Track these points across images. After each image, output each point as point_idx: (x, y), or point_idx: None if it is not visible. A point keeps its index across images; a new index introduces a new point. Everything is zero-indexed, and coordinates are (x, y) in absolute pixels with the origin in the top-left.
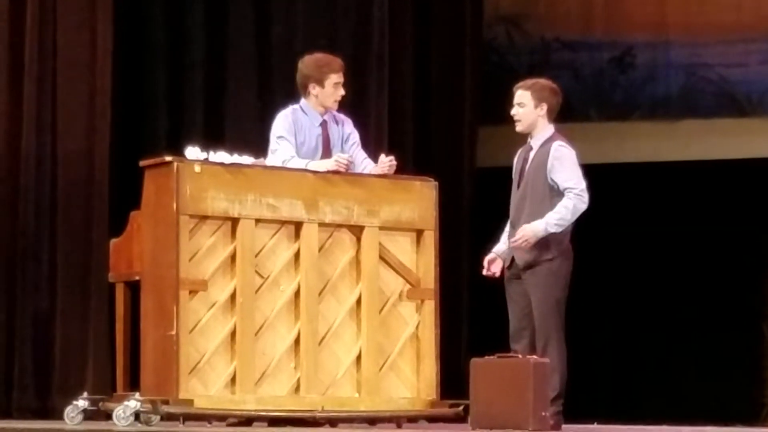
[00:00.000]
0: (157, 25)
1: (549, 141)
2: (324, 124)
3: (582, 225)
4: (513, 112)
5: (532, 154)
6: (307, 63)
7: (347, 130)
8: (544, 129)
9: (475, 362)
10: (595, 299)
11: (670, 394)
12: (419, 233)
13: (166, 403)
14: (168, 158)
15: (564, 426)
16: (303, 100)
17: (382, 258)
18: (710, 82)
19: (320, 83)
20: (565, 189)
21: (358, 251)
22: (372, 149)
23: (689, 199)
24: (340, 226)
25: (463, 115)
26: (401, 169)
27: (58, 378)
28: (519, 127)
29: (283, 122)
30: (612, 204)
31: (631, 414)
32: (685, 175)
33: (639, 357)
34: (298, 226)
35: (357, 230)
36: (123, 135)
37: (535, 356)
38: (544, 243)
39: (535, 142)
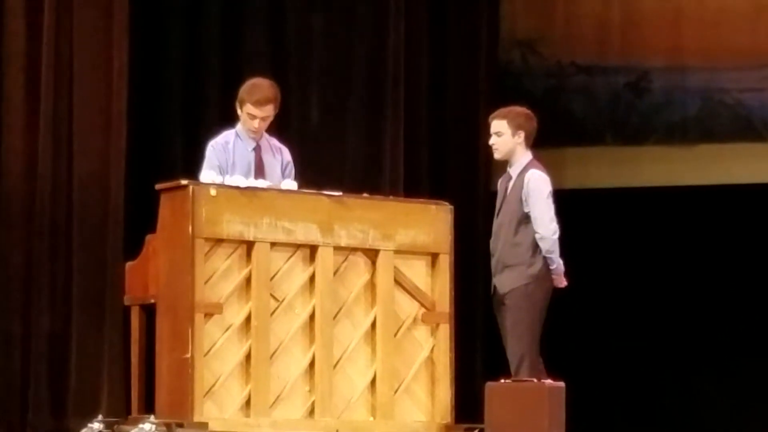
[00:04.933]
0: (173, 48)
1: (526, 169)
2: (257, 149)
3: (599, 248)
4: (491, 141)
5: (511, 183)
6: (244, 84)
7: (286, 158)
8: (522, 156)
9: (490, 386)
10: (610, 324)
11: (689, 422)
12: (434, 257)
13: (181, 425)
14: (184, 182)
15: None
16: (238, 124)
17: (397, 281)
18: (726, 106)
19: (240, 107)
20: (535, 232)
21: (373, 275)
22: (388, 172)
23: (706, 224)
24: (355, 249)
25: (478, 139)
26: (416, 193)
27: (72, 400)
28: (497, 155)
29: (210, 156)
30: (628, 228)
31: None
32: (701, 200)
33: (657, 384)
34: (313, 249)
35: (372, 254)
36: (139, 158)
37: (550, 380)
38: (519, 269)
39: (514, 171)
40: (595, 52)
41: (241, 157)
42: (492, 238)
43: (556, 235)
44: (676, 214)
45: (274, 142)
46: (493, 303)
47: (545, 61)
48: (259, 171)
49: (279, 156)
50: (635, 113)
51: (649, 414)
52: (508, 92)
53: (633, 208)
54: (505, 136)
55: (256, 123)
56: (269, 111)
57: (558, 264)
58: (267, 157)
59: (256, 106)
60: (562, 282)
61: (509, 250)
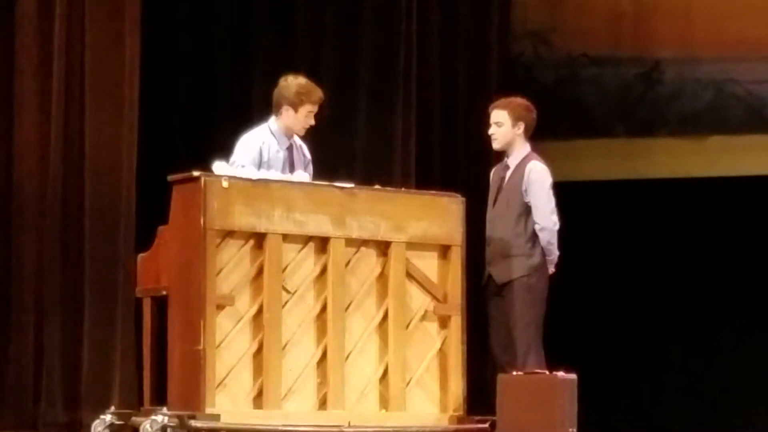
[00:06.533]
0: (184, 40)
1: (525, 160)
2: (290, 148)
3: (610, 240)
4: (491, 131)
5: (508, 173)
6: (288, 85)
7: (307, 156)
8: (521, 147)
9: (502, 378)
10: (622, 314)
11: (699, 409)
12: (446, 249)
13: (193, 417)
14: (196, 173)
15: None
16: (273, 120)
17: (408, 273)
18: (738, 98)
19: (295, 108)
20: (535, 223)
21: (384, 267)
22: (399, 165)
23: (717, 216)
24: (366, 241)
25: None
26: (428, 185)
27: (85, 392)
28: (496, 146)
29: (248, 143)
30: (639, 220)
31: (659, 429)
32: (712, 192)
33: (664, 371)
34: (324, 241)
35: (384, 246)
36: (150, 149)
37: (562, 372)
38: (519, 260)
39: (512, 161)
40: (607, 43)
41: (276, 156)
42: (488, 228)
43: (557, 227)
44: (687, 205)
45: (298, 139)
46: (485, 293)
47: (556, 52)
48: (291, 170)
49: (302, 153)
50: (646, 105)
51: (657, 402)
52: (519, 84)
53: (644, 199)
54: (505, 127)
55: (312, 120)
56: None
57: (555, 255)
58: (297, 157)
59: (315, 104)
60: (552, 269)
61: (509, 241)
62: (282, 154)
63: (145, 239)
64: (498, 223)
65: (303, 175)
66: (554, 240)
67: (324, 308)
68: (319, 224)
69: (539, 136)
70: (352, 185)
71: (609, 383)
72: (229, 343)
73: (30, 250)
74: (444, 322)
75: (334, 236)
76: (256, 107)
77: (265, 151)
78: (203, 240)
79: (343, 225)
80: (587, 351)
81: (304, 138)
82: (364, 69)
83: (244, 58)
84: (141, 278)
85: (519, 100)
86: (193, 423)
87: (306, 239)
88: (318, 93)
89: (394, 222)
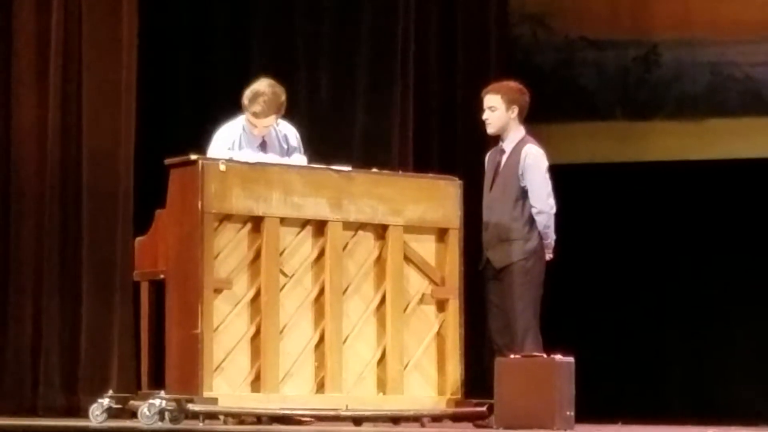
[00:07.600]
0: (182, 24)
1: (521, 143)
2: (263, 146)
3: (608, 223)
4: (484, 116)
5: (504, 157)
6: (251, 86)
7: (292, 144)
8: (516, 131)
9: (500, 361)
10: (621, 297)
11: (698, 395)
12: (444, 232)
13: (191, 401)
14: (193, 157)
15: (586, 426)
16: (245, 115)
17: (406, 257)
18: (736, 80)
19: (243, 109)
20: (532, 207)
21: (382, 250)
22: (398, 148)
23: (715, 198)
24: (364, 225)
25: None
26: (426, 169)
27: (83, 376)
28: (490, 130)
29: (220, 136)
30: (637, 202)
31: (658, 414)
32: (710, 174)
33: (662, 353)
34: (322, 224)
35: (381, 229)
36: (148, 133)
37: (559, 355)
38: (516, 243)
39: (508, 145)
40: (605, 26)
41: (247, 151)
42: (485, 212)
43: (554, 210)
44: (686, 188)
45: (281, 128)
46: (484, 277)
47: (555, 35)
48: None
49: (285, 145)
50: (645, 87)
51: (655, 385)
52: (517, 67)
53: (642, 182)
54: (499, 111)
55: (255, 131)
56: (269, 122)
57: (552, 239)
58: (273, 146)
59: (254, 117)
60: (550, 255)
61: (506, 225)
62: (255, 151)
63: (143, 223)
64: (495, 208)
65: (301, 158)
66: (551, 223)
67: (321, 292)
68: (316, 208)
69: (538, 118)
70: (350, 168)
71: (606, 366)
72: (226, 326)
73: (28, 235)
74: (442, 306)
75: (332, 220)
76: None
77: (236, 147)
78: (201, 224)
79: (341, 208)
80: (585, 334)
81: (294, 124)
82: (363, 53)
83: (243, 42)
84: (139, 262)
85: (512, 84)
86: (191, 406)
87: (303, 223)
88: (257, 107)
89: (392, 205)
